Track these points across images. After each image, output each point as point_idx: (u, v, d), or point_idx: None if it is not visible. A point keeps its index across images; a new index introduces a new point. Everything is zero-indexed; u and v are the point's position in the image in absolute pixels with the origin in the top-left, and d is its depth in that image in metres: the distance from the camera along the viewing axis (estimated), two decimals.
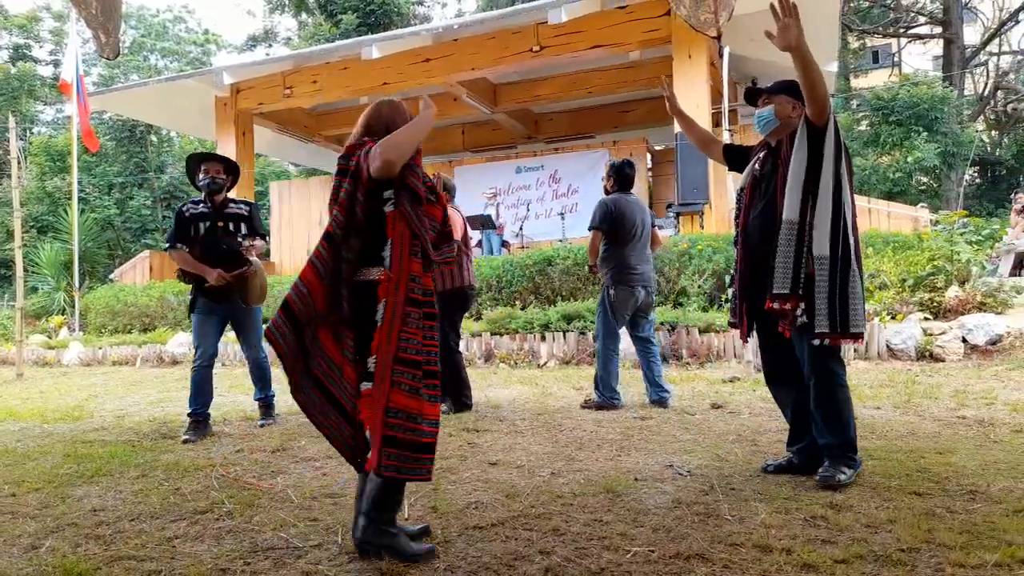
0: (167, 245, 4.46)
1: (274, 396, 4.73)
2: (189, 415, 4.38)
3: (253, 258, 4.37)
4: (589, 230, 5.02)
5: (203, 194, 4.47)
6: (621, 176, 5.09)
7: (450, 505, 2.83)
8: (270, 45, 28.22)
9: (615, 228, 4.92)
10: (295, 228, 15.19)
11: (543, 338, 7.51)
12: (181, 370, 8.69)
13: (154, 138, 21.60)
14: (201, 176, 4.42)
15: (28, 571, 2.31)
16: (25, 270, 9.76)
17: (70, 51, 12.06)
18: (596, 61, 11.22)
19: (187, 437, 4.25)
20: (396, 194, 2.33)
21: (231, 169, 4.57)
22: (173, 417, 5.14)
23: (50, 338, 10.96)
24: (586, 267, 5.28)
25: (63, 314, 12.10)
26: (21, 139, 22.50)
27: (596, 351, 5.17)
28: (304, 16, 26.41)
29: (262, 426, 4.58)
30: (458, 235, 4.78)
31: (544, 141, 14.27)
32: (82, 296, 11.69)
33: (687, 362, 6.76)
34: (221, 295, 4.38)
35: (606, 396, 4.89)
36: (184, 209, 4.47)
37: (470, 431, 4.25)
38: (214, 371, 4.58)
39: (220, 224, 4.39)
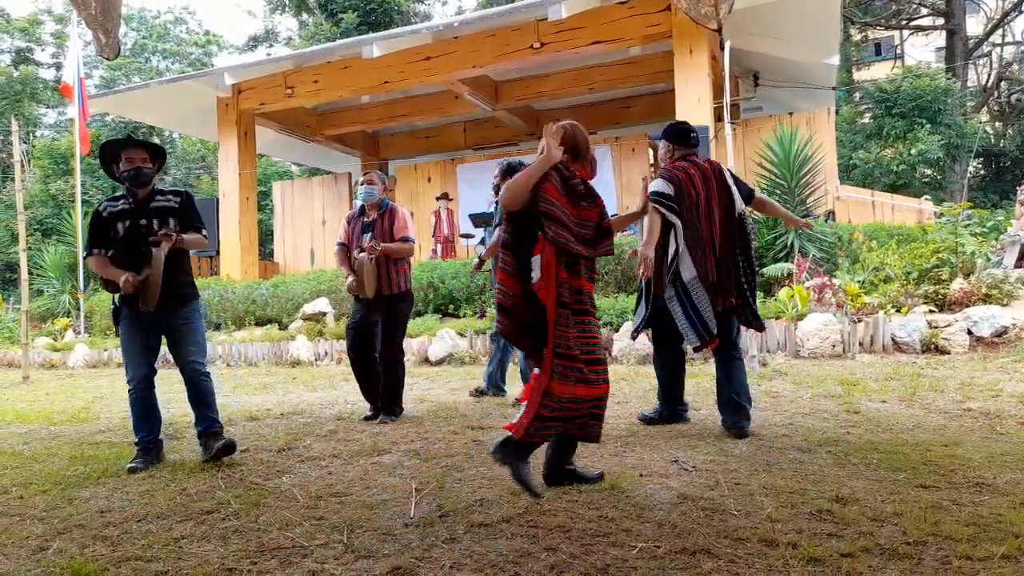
0: (86, 253, 3.78)
1: (219, 423, 3.79)
2: (136, 444, 3.71)
3: (156, 250, 3.54)
4: (498, 226, 5.11)
5: (125, 188, 3.77)
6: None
7: (456, 503, 2.83)
8: (271, 45, 28.21)
9: None
10: (298, 228, 15.22)
11: None
12: None
13: (156, 140, 21.64)
14: (123, 166, 3.70)
15: (36, 573, 2.32)
16: (30, 273, 9.79)
17: (71, 54, 12.07)
18: (597, 57, 11.20)
19: (133, 465, 3.58)
20: (535, 220, 2.85)
21: (157, 154, 3.84)
22: (178, 418, 5.15)
23: (56, 340, 10.99)
24: (475, 260, 5.32)
25: (68, 316, 12.13)
26: (24, 142, 22.57)
27: (495, 349, 5.30)
28: (304, 16, 26.38)
29: (206, 461, 3.65)
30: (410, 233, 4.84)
31: None
32: (87, 298, 11.72)
33: (691, 358, 6.75)
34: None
35: (500, 389, 5.19)
36: (102, 209, 3.75)
37: (475, 429, 4.25)
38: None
39: (143, 222, 3.67)
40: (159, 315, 3.65)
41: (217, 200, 12.74)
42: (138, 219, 3.69)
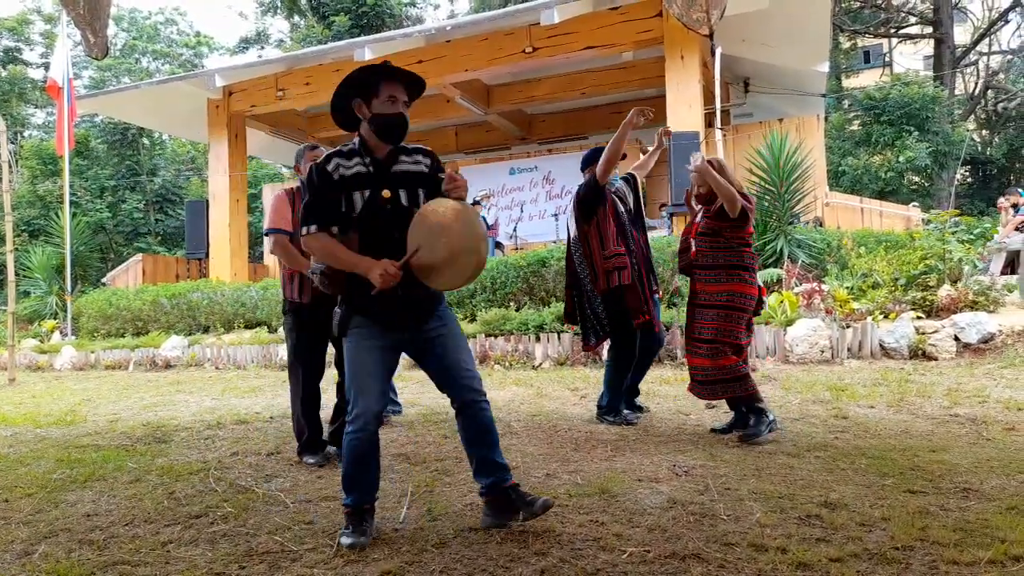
0: (304, 229, 2.52)
1: (510, 474, 2.62)
2: (346, 507, 2.53)
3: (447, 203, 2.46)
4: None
5: (359, 140, 2.57)
6: None
7: (446, 507, 2.83)
8: (262, 47, 28.12)
9: None
10: None
11: (537, 339, 7.51)
12: (174, 374, 8.67)
13: (146, 141, 21.52)
14: (379, 106, 2.51)
15: None
16: (17, 274, 9.71)
17: (59, 53, 12.00)
18: (589, 62, 11.25)
19: (352, 541, 2.43)
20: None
21: (414, 94, 2.66)
22: (166, 421, 5.12)
23: (42, 342, 10.90)
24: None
25: (55, 318, 12.03)
26: (12, 142, 22.38)
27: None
28: (296, 18, 26.36)
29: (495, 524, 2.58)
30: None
31: (537, 142, 14.30)
32: (74, 300, 11.64)
33: (682, 362, 6.77)
34: (398, 310, 2.53)
35: (395, 403, 4.98)
36: (331, 167, 2.52)
37: None
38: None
39: (386, 193, 2.51)
40: (407, 325, 2.57)
41: (207, 202, 12.68)
42: (379, 189, 2.52)
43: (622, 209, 4.42)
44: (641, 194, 4.66)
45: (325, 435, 3.84)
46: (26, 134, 26.25)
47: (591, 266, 4.35)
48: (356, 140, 2.58)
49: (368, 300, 2.46)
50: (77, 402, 6.40)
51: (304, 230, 2.52)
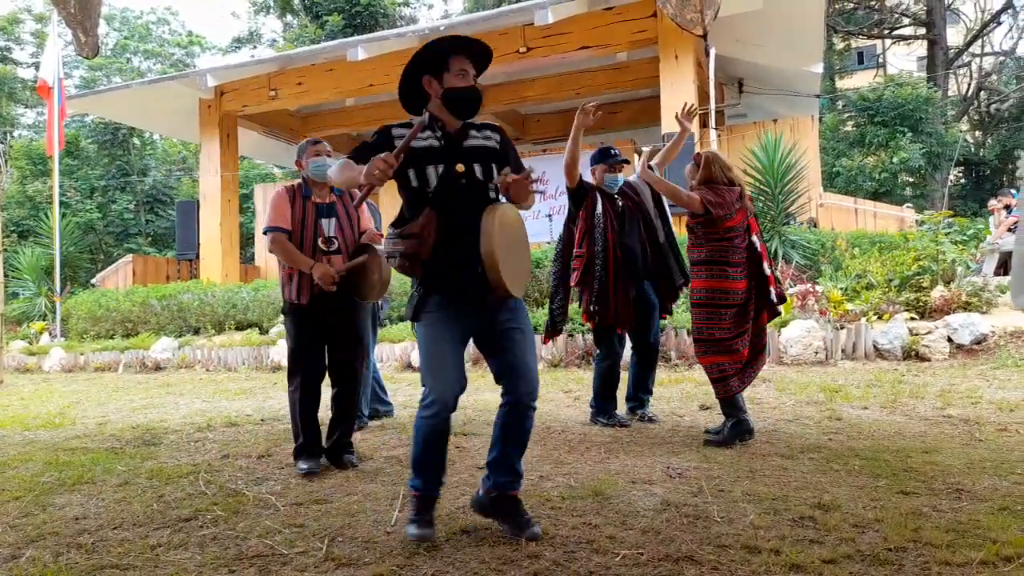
0: (348, 155, 2.57)
1: (520, 483, 2.60)
2: (414, 490, 2.55)
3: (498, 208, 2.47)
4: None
5: (428, 116, 2.52)
6: None
7: (439, 509, 2.80)
8: (255, 47, 28.01)
9: None
10: None
11: None
12: (164, 376, 8.62)
13: (137, 141, 21.41)
14: (452, 79, 2.49)
15: None
16: (5, 275, 9.64)
17: (49, 53, 11.92)
18: (583, 62, 11.23)
19: (420, 532, 2.46)
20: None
21: (482, 67, 2.62)
22: (156, 423, 5.08)
23: (31, 344, 10.81)
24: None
25: (44, 320, 11.94)
26: (1, 142, 22.26)
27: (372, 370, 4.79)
28: (289, 18, 26.26)
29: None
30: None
31: (532, 142, 14.27)
32: (64, 301, 11.55)
33: (676, 364, 6.77)
34: (474, 291, 2.46)
35: (363, 415, 4.80)
36: (394, 131, 2.51)
37: (458, 435, 4.22)
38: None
39: (459, 168, 2.48)
40: (484, 308, 2.50)
41: (198, 203, 12.63)
42: (453, 163, 2.48)
43: (599, 211, 4.37)
44: None
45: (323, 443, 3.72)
46: (16, 134, 26.07)
47: (565, 264, 4.57)
48: (426, 116, 2.52)
49: (444, 280, 2.47)
50: (66, 404, 6.35)
51: (351, 153, 2.53)
